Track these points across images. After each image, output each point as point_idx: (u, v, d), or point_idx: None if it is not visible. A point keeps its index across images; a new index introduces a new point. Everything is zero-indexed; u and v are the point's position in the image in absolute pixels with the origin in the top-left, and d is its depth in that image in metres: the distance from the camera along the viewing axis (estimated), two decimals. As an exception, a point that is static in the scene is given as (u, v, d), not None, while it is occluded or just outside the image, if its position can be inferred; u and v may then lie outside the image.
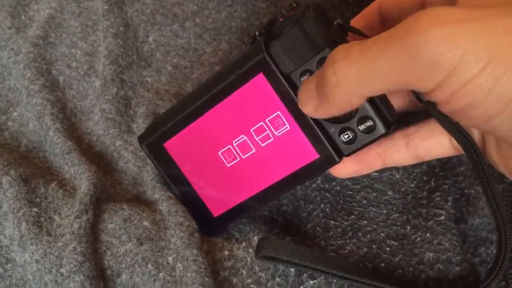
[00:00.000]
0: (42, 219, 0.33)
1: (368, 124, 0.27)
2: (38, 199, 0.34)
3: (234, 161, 0.31)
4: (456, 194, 0.34)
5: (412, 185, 0.35)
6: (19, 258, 0.32)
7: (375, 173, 0.35)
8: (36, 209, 0.33)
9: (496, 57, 0.17)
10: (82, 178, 0.35)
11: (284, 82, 0.28)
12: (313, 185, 0.36)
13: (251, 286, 0.31)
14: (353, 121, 0.27)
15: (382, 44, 0.19)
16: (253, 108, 0.29)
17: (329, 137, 0.28)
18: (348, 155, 0.28)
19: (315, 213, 0.35)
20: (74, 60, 0.42)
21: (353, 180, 0.35)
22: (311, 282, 0.30)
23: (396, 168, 0.35)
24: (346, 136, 0.28)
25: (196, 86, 0.32)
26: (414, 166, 0.35)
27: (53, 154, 0.38)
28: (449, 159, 0.35)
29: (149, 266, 0.31)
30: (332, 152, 0.28)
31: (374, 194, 0.35)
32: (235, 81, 0.29)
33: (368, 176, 0.35)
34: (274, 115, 0.29)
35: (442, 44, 0.17)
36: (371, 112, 0.27)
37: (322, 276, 0.30)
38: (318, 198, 0.35)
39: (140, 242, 0.32)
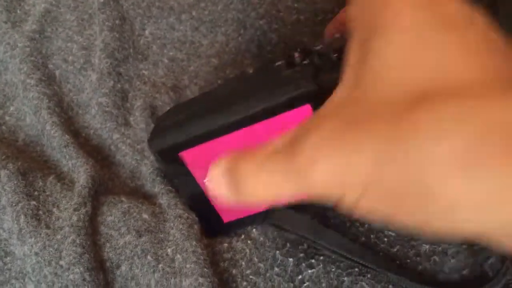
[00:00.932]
0: (40, 212, 0.33)
1: None
2: (36, 193, 0.34)
3: None
4: None
5: None
6: (18, 251, 0.32)
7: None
8: (34, 202, 0.33)
9: (369, 188, 0.18)
10: (80, 171, 0.35)
11: None
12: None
13: (250, 276, 0.31)
14: None
15: (282, 174, 0.20)
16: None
17: None
18: None
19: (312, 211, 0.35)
20: (70, 54, 0.42)
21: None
22: (310, 271, 0.30)
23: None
24: None
25: (225, 96, 0.30)
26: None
27: (51, 148, 0.38)
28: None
29: (149, 257, 0.31)
30: None
31: None
32: (278, 105, 0.27)
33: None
34: None
35: (325, 180, 0.18)
36: None
37: (321, 265, 0.30)
38: None
39: (140, 234, 0.32)
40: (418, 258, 0.31)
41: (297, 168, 0.19)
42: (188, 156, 0.30)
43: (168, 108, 0.39)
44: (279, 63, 0.29)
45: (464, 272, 0.31)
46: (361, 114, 0.18)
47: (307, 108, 0.27)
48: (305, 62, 0.27)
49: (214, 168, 0.23)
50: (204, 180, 0.23)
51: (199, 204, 0.33)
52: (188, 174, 0.31)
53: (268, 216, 0.30)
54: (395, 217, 0.18)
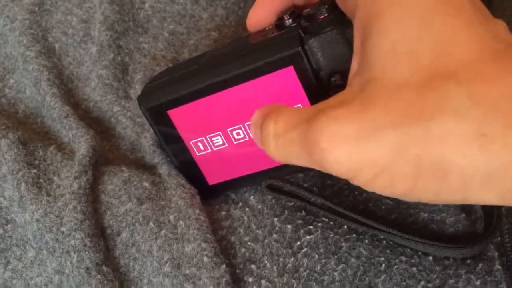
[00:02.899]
0: (41, 180, 0.33)
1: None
2: (37, 161, 0.34)
3: (242, 140, 0.31)
4: None
5: None
6: (19, 218, 0.33)
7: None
8: (35, 171, 0.33)
9: (383, 171, 0.19)
10: (81, 141, 0.36)
11: (313, 79, 0.27)
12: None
13: (249, 243, 0.31)
14: None
15: (297, 148, 0.21)
16: (275, 95, 0.29)
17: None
18: None
19: (312, 173, 0.35)
20: (70, 27, 0.42)
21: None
22: (308, 237, 0.30)
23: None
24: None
25: (215, 57, 0.31)
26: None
27: (51, 119, 0.38)
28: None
29: (151, 224, 0.31)
30: None
31: None
32: (263, 67, 0.28)
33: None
34: (296, 106, 0.28)
35: (340, 164, 0.19)
36: None
37: (319, 231, 0.31)
38: None
39: (141, 201, 0.32)
40: (415, 226, 0.32)
41: (313, 147, 0.20)
42: (176, 114, 0.31)
43: None
44: (270, 26, 0.29)
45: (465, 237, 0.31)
46: (377, 96, 0.19)
47: (290, 70, 0.27)
48: (292, 24, 0.27)
49: (255, 114, 0.24)
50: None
51: (186, 166, 0.33)
52: (175, 134, 0.32)
53: (265, 180, 0.30)
54: (408, 194, 0.20)
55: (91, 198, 0.32)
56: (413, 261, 0.29)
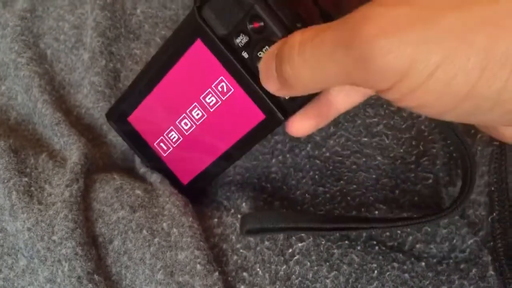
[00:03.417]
0: (32, 188, 0.33)
1: None
2: (28, 169, 0.34)
3: (192, 129, 0.32)
4: (445, 158, 0.34)
5: (401, 150, 0.35)
6: (10, 227, 0.33)
7: (365, 139, 0.36)
8: (26, 179, 0.33)
9: (445, 60, 0.16)
10: (72, 149, 0.35)
11: (221, 46, 0.27)
12: (303, 153, 0.36)
13: (241, 250, 0.31)
14: None
15: (329, 47, 0.18)
16: (198, 76, 0.29)
17: (272, 97, 0.28)
18: (294, 112, 0.28)
19: (304, 180, 0.35)
20: (61, 33, 0.42)
21: (343, 146, 0.36)
22: (300, 244, 0.30)
23: (386, 134, 0.36)
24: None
25: (153, 57, 0.32)
26: (403, 131, 0.35)
27: (42, 126, 0.38)
28: (438, 123, 0.35)
29: (144, 231, 0.31)
30: (277, 111, 0.28)
31: (364, 159, 0.35)
32: (177, 50, 0.29)
33: (357, 141, 0.36)
34: (218, 80, 0.29)
35: (388, 56, 0.17)
36: None
37: (311, 238, 0.30)
38: (308, 166, 0.36)
39: (133, 209, 0.32)
40: (409, 229, 0.31)
41: (355, 37, 0.17)
42: (135, 119, 0.33)
43: None
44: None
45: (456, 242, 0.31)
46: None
47: (199, 44, 0.28)
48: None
49: (264, 55, 0.23)
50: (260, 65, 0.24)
51: (160, 170, 0.35)
52: (141, 139, 0.34)
53: (242, 226, 0.30)
54: (466, 95, 0.17)
55: (82, 206, 0.32)
56: (405, 267, 0.29)
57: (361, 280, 0.29)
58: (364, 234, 0.31)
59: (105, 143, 0.38)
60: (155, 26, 0.42)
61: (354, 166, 0.35)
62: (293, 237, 0.31)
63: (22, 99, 0.40)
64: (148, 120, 0.33)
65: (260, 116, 0.29)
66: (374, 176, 0.34)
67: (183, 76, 0.30)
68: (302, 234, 0.31)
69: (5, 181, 0.33)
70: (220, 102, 0.30)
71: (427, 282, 0.29)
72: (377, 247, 0.30)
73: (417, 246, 0.31)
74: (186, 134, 0.32)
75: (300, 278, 0.29)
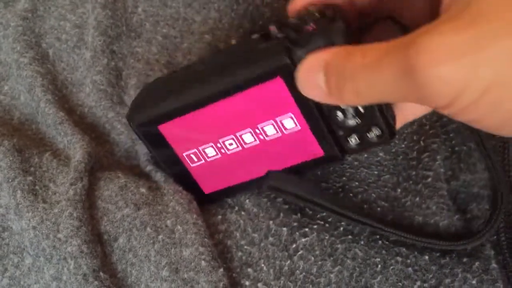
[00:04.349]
0: (37, 187, 0.33)
1: (377, 133, 0.28)
2: (32, 168, 0.34)
3: (235, 150, 0.31)
4: (447, 152, 0.34)
5: (403, 146, 0.35)
6: (16, 226, 0.33)
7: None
8: (31, 178, 0.33)
9: (496, 81, 0.18)
10: (76, 147, 0.36)
11: None
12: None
13: (245, 247, 0.31)
14: (362, 127, 0.28)
15: (390, 75, 0.20)
16: (264, 106, 0.29)
17: (336, 139, 0.29)
18: (353, 152, 0.30)
19: (306, 177, 0.35)
20: (63, 33, 0.42)
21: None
22: (303, 239, 0.31)
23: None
24: (353, 141, 0.29)
25: (201, 70, 0.30)
26: (404, 126, 0.35)
27: (46, 125, 0.38)
28: (440, 116, 0.35)
29: (148, 229, 0.31)
30: (338, 153, 0.30)
31: (366, 155, 0.35)
32: (251, 79, 0.28)
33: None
34: (285, 115, 0.29)
35: (443, 82, 0.18)
36: (380, 121, 0.27)
37: (315, 234, 0.31)
38: None
39: (138, 207, 0.32)
40: (412, 229, 0.32)
41: (415, 64, 0.18)
42: (167, 128, 0.31)
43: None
44: (256, 36, 0.29)
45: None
46: (488, 8, 0.18)
47: (278, 81, 0.27)
48: (279, 35, 0.27)
49: (311, 60, 0.23)
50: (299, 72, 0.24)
51: (181, 177, 0.33)
52: (168, 147, 0.32)
53: (264, 180, 0.31)
54: (499, 130, 0.19)
55: (87, 204, 0.32)
56: (408, 261, 0.29)
57: (365, 274, 0.29)
58: (367, 229, 0.31)
59: (108, 141, 0.38)
60: (156, 25, 0.42)
61: (356, 162, 0.35)
62: (297, 233, 0.31)
63: (25, 98, 0.40)
64: (184, 131, 0.31)
65: (319, 152, 0.30)
66: (376, 172, 0.35)
67: (247, 103, 0.29)
68: (306, 229, 0.31)
69: (10, 180, 0.33)
70: (280, 134, 0.30)
71: (431, 276, 0.29)
72: (380, 242, 0.30)
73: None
74: (228, 153, 0.31)
75: (304, 273, 0.30)
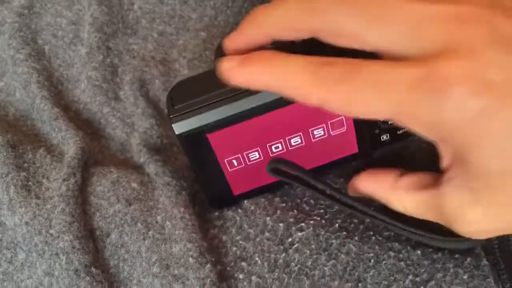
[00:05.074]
0: (30, 183, 0.33)
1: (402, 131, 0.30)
2: (26, 164, 0.34)
3: (278, 152, 0.31)
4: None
5: None
6: (9, 221, 0.33)
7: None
8: (24, 174, 0.33)
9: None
10: (70, 143, 0.36)
11: None
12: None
13: (240, 242, 0.31)
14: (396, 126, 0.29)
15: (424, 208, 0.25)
16: (320, 111, 0.28)
17: (372, 137, 0.30)
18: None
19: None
20: (59, 29, 0.42)
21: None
22: (299, 234, 0.30)
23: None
24: (384, 137, 0.30)
25: None
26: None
27: (41, 121, 0.38)
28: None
29: (139, 225, 0.31)
30: (370, 150, 0.31)
31: None
32: None
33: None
34: (338, 118, 0.29)
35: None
36: None
37: (311, 228, 0.31)
38: None
39: (129, 202, 0.32)
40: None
41: (447, 220, 0.24)
42: (216, 137, 0.29)
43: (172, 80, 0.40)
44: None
45: None
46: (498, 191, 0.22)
47: None
48: None
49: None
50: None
51: (213, 180, 0.32)
52: (211, 154, 0.30)
53: (268, 164, 0.30)
54: None
55: (80, 200, 0.32)
56: (401, 256, 0.29)
57: (358, 268, 0.29)
58: (361, 226, 0.31)
59: (103, 136, 0.38)
60: (152, 22, 0.42)
61: None
62: (293, 227, 0.31)
63: (20, 95, 0.40)
64: (232, 139, 0.30)
65: (354, 149, 0.31)
66: None
67: (302, 109, 0.28)
68: (303, 224, 0.31)
69: (3, 175, 0.33)
70: (326, 135, 0.30)
71: (423, 270, 0.29)
72: (373, 237, 0.30)
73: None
74: (270, 155, 0.31)
75: (299, 265, 0.29)
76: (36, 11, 0.43)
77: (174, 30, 0.42)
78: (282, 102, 0.28)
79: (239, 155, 0.30)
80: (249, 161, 0.31)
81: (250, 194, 0.33)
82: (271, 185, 0.33)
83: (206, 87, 0.29)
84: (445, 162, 0.23)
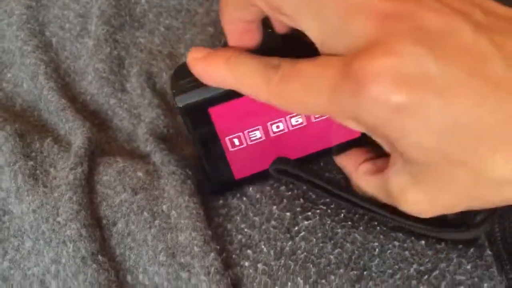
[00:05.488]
0: (38, 171, 0.34)
1: None
2: (33, 153, 0.35)
3: (280, 132, 0.31)
4: None
5: None
6: (16, 209, 0.33)
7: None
8: (32, 163, 0.34)
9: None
10: (77, 133, 0.36)
11: None
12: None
13: (245, 230, 0.31)
14: None
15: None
16: None
17: None
18: None
19: (310, 166, 0.35)
20: (67, 22, 0.42)
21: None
22: (306, 222, 0.31)
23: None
24: None
25: (259, 50, 0.28)
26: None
27: (48, 112, 0.39)
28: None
29: (145, 214, 0.31)
30: None
31: None
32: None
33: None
34: None
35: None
36: None
37: (317, 217, 0.31)
38: None
39: (135, 192, 0.32)
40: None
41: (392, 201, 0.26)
42: (217, 112, 0.29)
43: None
44: None
45: None
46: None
47: None
48: None
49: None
50: None
51: (214, 162, 0.32)
52: (212, 131, 0.30)
53: (271, 165, 0.31)
54: None
55: (87, 189, 0.33)
56: (405, 245, 0.30)
57: (363, 257, 0.29)
58: (366, 217, 0.31)
59: (110, 127, 0.39)
60: (159, 15, 0.43)
61: None
62: (300, 216, 0.31)
63: (28, 86, 0.40)
64: (233, 115, 0.30)
65: (356, 133, 0.31)
66: None
67: None
68: (309, 213, 0.31)
69: (11, 164, 0.33)
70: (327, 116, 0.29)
71: (427, 260, 0.29)
72: (378, 228, 0.31)
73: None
74: (271, 136, 0.31)
75: (305, 253, 0.30)
76: (44, 4, 0.43)
77: (181, 25, 0.42)
78: None
79: (241, 133, 0.31)
80: (250, 141, 0.31)
81: (252, 179, 0.33)
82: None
83: None
84: (385, 148, 0.24)
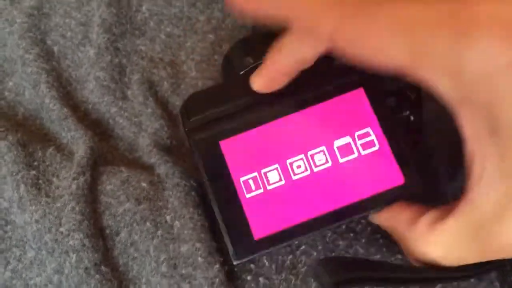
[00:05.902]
0: (40, 181, 0.34)
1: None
2: (36, 163, 0.35)
3: (303, 174, 0.27)
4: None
5: None
6: (19, 219, 0.33)
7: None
8: (34, 172, 0.34)
9: None
10: (79, 143, 0.36)
11: (385, 100, 0.26)
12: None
13: None
14: None
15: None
16: (343, 119, 0.26)
17: (419, 163, 0.26)
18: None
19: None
20: (68, 30, 0.42)
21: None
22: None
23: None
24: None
25: None
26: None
27: (50, 121, 0.39)
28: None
29: (148, 224, 0.31)
30: (420, 180, 0.26)
31: None
32: (328, 90, 0.26)
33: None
34: (363, 131, 0.26)
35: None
36: None
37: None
38: None
39: (139, 202, 0.32)
40: None
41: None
42: (229, 145, 0.27)
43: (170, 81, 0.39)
44: None
45: None
46: None
47: (360, 91, 0.26)
48: None
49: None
50: None
51: (229, 212, 0.27)
52: (224, 169, 0.27)
53: (319, 276, 0.25)
54: None
55: (90, 199, 0.33)
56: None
57: None
58: (369, 228, 0.31)
59: (112, 136, 0.39)
60: (160, 23, 0.43)
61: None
62: None
63: (29, 95, 0.40)
64: (248, 149, 0.27)
65: (399, 180, 0.26)
66: None
67: (322, 116, 0.26)
68: None
69: (14, 174, 0.33)
70: (357, 154, 0.26)
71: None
72: (380, 240, 0.31)
73: None
74: (293, 178, 0.27)
75: (306, 267, 0.30)
76: (46, 12, 0.43)
77: (182, 32, 0.42)
78: (296, 106, 0.26)
79: (256, 173, 0.27)
80: (268, 184, 0.27)
81: (276, 241, 0.27)
82: (308, 226, 0.27)
83: (219, 100, 0.28)
84: (467, 131, 0.20)
